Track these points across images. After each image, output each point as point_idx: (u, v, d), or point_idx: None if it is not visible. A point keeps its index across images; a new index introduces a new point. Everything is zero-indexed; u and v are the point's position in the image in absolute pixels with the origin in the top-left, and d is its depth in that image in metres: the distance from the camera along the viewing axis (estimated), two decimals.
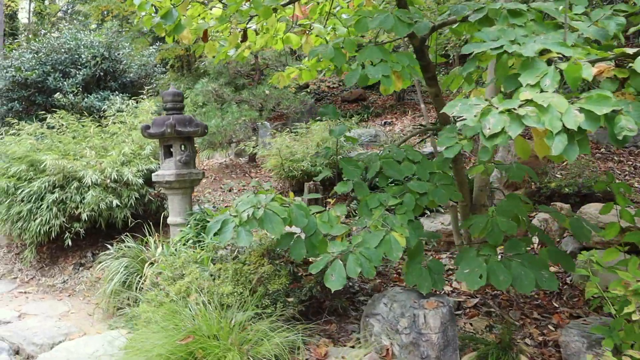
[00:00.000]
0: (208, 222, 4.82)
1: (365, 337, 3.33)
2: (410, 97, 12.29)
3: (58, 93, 8.48)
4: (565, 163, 6.62)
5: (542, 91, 2.24)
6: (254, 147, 8.08)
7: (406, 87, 3.92)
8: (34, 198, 5.79)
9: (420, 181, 3.33)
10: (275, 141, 7.20)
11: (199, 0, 3.88)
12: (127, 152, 6.20)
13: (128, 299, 4.41)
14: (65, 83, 8.66)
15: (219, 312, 3.06)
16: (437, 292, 3.43)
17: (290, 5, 3.82)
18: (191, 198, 5.42)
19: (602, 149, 7.18)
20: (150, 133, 5.16)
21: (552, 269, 4.10)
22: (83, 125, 6.92)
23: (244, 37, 3.85)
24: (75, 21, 11.16)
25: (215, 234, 2.98)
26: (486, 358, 3.20)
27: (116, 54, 9.38)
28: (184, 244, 4.62)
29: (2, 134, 6.95)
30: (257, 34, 4.08)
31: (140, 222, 5.84)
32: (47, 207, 5.69)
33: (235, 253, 3.97)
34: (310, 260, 3.94)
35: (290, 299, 3.49)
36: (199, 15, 4.02)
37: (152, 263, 4.53)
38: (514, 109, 2.13)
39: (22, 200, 5.85)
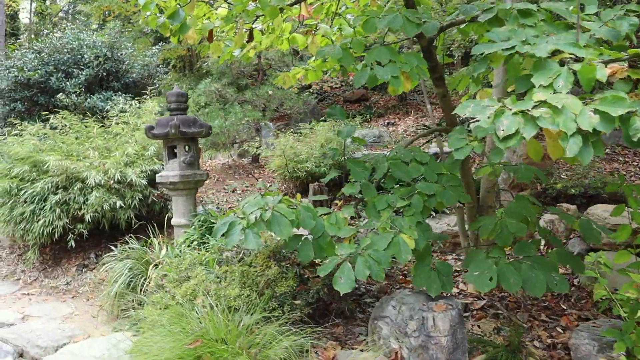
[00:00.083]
0: (212, 223, 4.82)
1: (374, 340, 3.30)
2: (413, 97, 12.27)
3: (61, 93, 8.46)
4: (570, 164, 6.59)
5: (555, 92, 2.21)
6: (257, 148, 8.05)
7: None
8: (37, 199, 5.76)
9: (428, 182, 3.30)
10: (279, 142, 7.16)
11: (204, 0, 3.85)
12: (131, 153, 6.18)
13: (132, 301, 4.38)
14: (67, 83, 8.64)
15: (226, 315, 3.03)
16: (446, 295, 3.39)
17: (297, 5, 3.79)
18: (195, 199, 5.40)
19: (607, 150, 7.15)
20: (154, 134, 5.13)
21: (560, 270, 4.08)
22: (86, 126, 6.89)
23: (250, 37, 3.82)
24: (77, 21, 11.10)
25: (222, 236, 2.94)
26: None
27: (119, 54, 9.36)
28: (189, 246, 4.59)
29: (4, 135, 6.93)
30: (262, 34, 4.05)
31: (143, 224, 5.81)
32: (50, 208, 5.66)
33: (241, 255, 3.94)
34: (316, 262, 3.91)
35: (297, 302, 3.46)
36: (204, 15, 4.00)
37: (156, 265, 4.51)
38: (528, 110, 2.10)
39: (25, 201, 5.82)
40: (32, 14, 20.13)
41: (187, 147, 5.24)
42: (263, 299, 3.27)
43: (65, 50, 9.01)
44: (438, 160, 3.52)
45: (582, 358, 3.09)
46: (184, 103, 5.34)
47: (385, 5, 4.24)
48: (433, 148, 7.01)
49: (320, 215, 3.19)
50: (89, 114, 7.68)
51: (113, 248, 5.22)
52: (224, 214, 5.69)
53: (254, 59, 4.30)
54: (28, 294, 5.68)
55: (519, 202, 3.29)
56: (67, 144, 6.38)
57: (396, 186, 3.43)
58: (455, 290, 4.43)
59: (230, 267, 3.58)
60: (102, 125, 7.02)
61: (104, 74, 9.08)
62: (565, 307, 4.13)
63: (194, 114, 8.62)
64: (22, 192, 5.82)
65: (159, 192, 6.24)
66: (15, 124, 7.04)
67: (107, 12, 15.29)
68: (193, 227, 4.90)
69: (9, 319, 4.72)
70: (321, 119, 8.67)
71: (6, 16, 15.40)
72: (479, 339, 3.54)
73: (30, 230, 5.77)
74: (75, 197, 5.73)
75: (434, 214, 5.66)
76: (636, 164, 6.72)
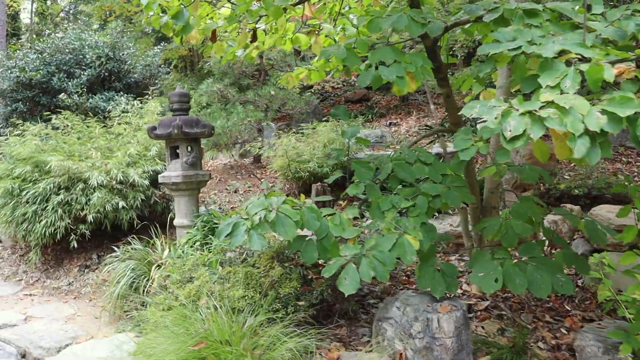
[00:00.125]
0: (215, 223, 4.80)
1: (378, 341, 3.28)
2: (415, 97, 12.25)
3: (62, 93, 8.45)
4: (573, 164, 6.58)
5: (562, 93, 2.20)
6: (259, 148, 8.04)
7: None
8: (39, 199, 5.75)
9: (432, 183, 3.28)
10: (281, 142, 7.15)
11: (207, 0, 3.84)
12: (133, 153, 6.16)
13: (135, 302, 4.36)
14: (69, 83, 8.63)
15: (231, 317, 3.02)
16: (450, 296, 3.38)
17: (300, 5, 3.78)
18: (198, 200, 5.39)
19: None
20: (156, 134, 5.12)
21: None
22: (88, 126, 6.88)
23: (254, 37, 3.81)
24: (79, 21, 11.09)
25: (226, 237, 2.93)
26: None
27: (121, 54, 9.35)
28: (191, 246, 4.58)
29: (6, 135, 6.92)
30: (265, 34, 4.04)
31: (146, 224, 5.80)
32: (52, 208, 5.65)
33: (244, 256, 3.93)
34: (319, 263, 3.90)
35: (301, 303, 3.44)
36: (207, 15, 3.99)
37: (159, 265, 4.49)
38: (535, 110, 2.09)
39: (27, 202, 5.81)
40: (33, 14, 20.13)
41: (189, 148, 5.23)
42: (267, 300, 3.25)
43: (67, 50, 9.00)
44: (441, 161, 3.51)
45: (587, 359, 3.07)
46: (186, 103, 5.33)
47: (387, 6, 4.23)
48: (435, 148, 7.00)
49: (325, 216, 3.18)
50: (91, 114, 7.67)
51: (115, 249, 5.21)
52: (226, 214, 5.68)
53: (255, 59, 4.28)
54: (30, 295, 5.67)
55: (523, 202, 3.27)
56: (69, 144, 6.37)
57: (399, 187, 3.42)
58: (458, 291, 4.41)
59: (233, 268, 3.56)
60: (104, 126, 7.01)
61: (106, 74, 9.07)
62: (569, 308, 4.12)
63: (195, 114, 8.60)
64: (24, 192, 5.80)
65: (160, 193, 6.23)
66: (17, 124, 7.03)
67: (108, 12, 15.30)
68: (195, 227, 4.89)
69: (12, 320, 4.70)
70: (323, 119, 8.66)
71: (7, 16, 15.40)
72: (483, 340, 3.52)
73: (32, 231, 5.75)
74: (77, 198, 5.72)
75: (436, 214, 5.64)
76: (639, 164, 6.70)
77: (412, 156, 3.41)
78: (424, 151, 3.49)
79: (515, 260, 2.92)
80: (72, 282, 5.84)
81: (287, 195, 3.23)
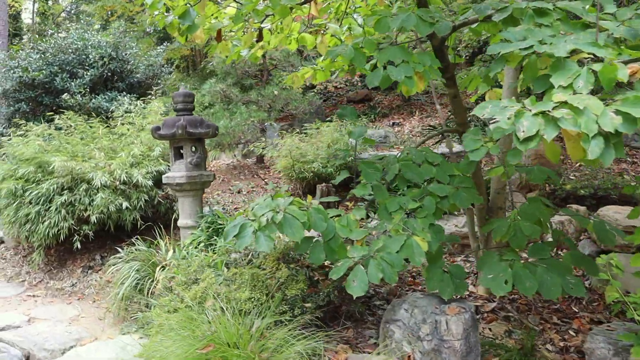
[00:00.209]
0: (219, 224, 4.78)
1: (386, 343, 3.25)
2: (417, 97, 12.20)
3: (65, 94, 8.42)
4: (578, 164, 6.55)
5: (574, 93, 2.17)
6: (263, 149, 8.02)
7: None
8: (42, 200, 5.73)
9: (440, 184, 3.26)
10: (285, 142, 7.12)
11: None
12: (136, 154, 6.14)
13: (139, 304, 4.34)
14: (72, 83, 8.60)
15: (237, 319, 2.99)
16: (458, 297, 3.35)
17: (306, 5, 3.75)
18: (202, 200, 5.36)
19: None
20: (160, 134, 5.10)
21: None
22: (91, 127, 6.86)
23: (260, 37, 3.79)
24: (81, 21, 11.06)
25: (233, 238, 2.91)
26: None
27: (123, 54, 9.32)
28: (196, 247, 4.56)
29: (9, 135, 6.89)
30: (271, 33, 4.02)
31: (149, 225, 5.78)
32: (56, 209, 5.63)
33: (249, 257, 3.90)
34: (326, 264, 3.87)
35: (307, 304, 3.42)
36: (212, 14, 3.96)
37: (163, 267, 4.47)
38: (549, 111, 2.06)
39: (30, 203, 5.79)
40: (35, 14, 20.13)
41: (193, 148, 5.20)
42: (274, 302, 3.23)
43: (70, 50, 8.97)
44: (447, 161, 3.48)
45: None
46: (190, 103, 5.31)
47: (391, 5, 4.21)
48: (441, 148, 6.97)
49: (331, 217, 3.15)
50: (94, 115, 7.64)
51: (119, 249, 5.18)
52: (230, 215, 5.66)
53: (259, 59, 4.25)
54: (33, 296, 5.64)
55: (532, 203, 3.24)
56: (72, 144, 6.35)
57: (406, 188, 3.39)
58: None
59: (239, 270, 3.54)
60: (107, 126, 6.98)
61: (109, 74, 9.04)
62: (576, 310, 4.08)
63: (197, 114, 8.57)
64: (27, 193, 5.78)
65: (164, 193, 6.20)
66: (20, 125, 7.01)
67: (109, 12, 15.29)
68: (200, 228, 4.86)
69: (15, 322, 4.67)
70: (327, 119, 8.62)
71: (9, 16, 15.38)
72: (491, 342, 3.50)
73: (35, 232, 5.73)
74: (80, 198, 5.69)
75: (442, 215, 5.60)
76: None
77: (419, 157, 3.38)
78: (431, 152, 3.46)
79: (524, 262, 2.90)
80: (76, 283, 5.82)
81: (291, 196, 3.20)
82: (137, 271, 4.62)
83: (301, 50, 10.72)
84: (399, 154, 3.55)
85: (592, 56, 2.34)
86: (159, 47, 10.48)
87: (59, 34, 9.56)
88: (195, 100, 7.72)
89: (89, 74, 8.71)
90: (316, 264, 3.17)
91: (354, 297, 2.77)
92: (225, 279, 3.52)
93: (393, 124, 10.49)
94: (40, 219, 5.70)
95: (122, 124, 6.89)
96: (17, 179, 5.96)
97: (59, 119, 6.98)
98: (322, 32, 4.01)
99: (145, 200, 5.89)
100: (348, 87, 13.75)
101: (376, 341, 3.48)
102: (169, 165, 5.73)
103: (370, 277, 2.76)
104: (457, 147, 6.34)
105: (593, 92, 2.25)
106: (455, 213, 5.66)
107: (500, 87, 4.36)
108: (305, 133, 7.53)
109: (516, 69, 3.94)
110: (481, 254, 3.76)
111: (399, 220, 3.06)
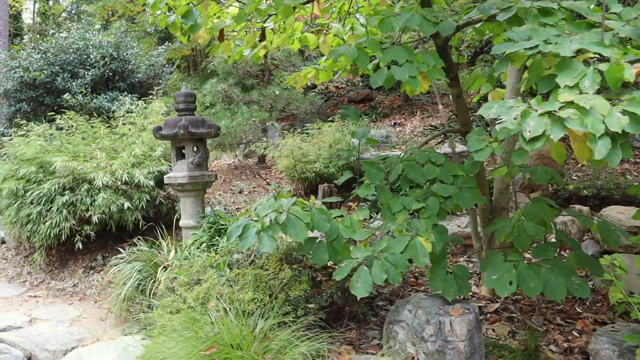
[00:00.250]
0: (221, 224, 4.76)
1: (389, 344, 3.24)
2: (418, 97, 12.18)
3: (67, 94, 8.40)
4: (580, 165, 6.53)
5: (581, 93, 2.16)
6: (264, 149, 8.01)
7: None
8: (43, 200, 5.71)
9: (443, 184, 3.25)
10: (286, 142, 7.10)
11: None
12: (138, 154, 6.12)
13: (141, 304, 4.33)
14: (73, 83, 8.58)
15: (241, 320, 2.98)
16: (461, 298, 3.33)
17: (309, 4, 3.74)
18: (204, 200, 5.35)
19: None
20: (162, 134, 5.08)
21: None
22: (92, 127, 6.85)
23: (262, 37, 3.77)
24: (83, 21, 11.05)
25: (237, 239, 2.89)
26: None
27: (124, 54, 9.31)
28: (198, 248, 4.54)
29: (10, 135, 6.88)
30: (274, 33, 4.00)
31: (151, 225, 5.77)
32: (57, 209, 5.61)
33: (252, 257, 3.89)
34: (329, 265, 3.86)
35: (310, 305, 3.40)
36: (215, 14, 3.95)
37: (165, 267, 4.46)
38: (555, 111, 2.05)
39: (32, 203, 5.77)
40: (35, 14, 20.12)
41: (195, 148, 5.19)
42: (277, 302, 3.21)
43: (71, 50, 8.96)
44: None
45: None
46: (192, 103, 5.29)
47: (393, 5, 4.19)
48: (443, 148, 6.95)
49: (334, 218, 3.14)
50: (95, 115, 7.63)
51: (121, 250, 5.17)
52: (232, 215, 5.65)
53: (261, 58, 4.24)
54: (35, 296, 5.63)
55: (535, 204, 3.23)
56: (73, 144, 6.33)
57: (409, 188, 3.38)
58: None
59: (242, 270, 3.52)
60: (109, 126, 6.97)
61: (110, 74, 9.02)
62: (580, 311, 4.07)
63: (199, 114, 8.56)
64: (29, 193, 5.76)
65: (166, 193, 6.19)
66: (21, 125, 6.99)
67: (110, 12, 15.28)
68: (202, 228, 4.85)
69: (17, 322, 4.66)
70: (328, 119, 8.61)
71: (9, 16, 15.38)
72: (494, 343, 3.48)
73: (36, 232, 5.71)
74: (82, 199, 5.68)
75: None
76: None
77: (422, 157, 3.38)
78: (434, 152, 3.45)
79: (528, 262, 2.88)
80: (77, 283, 5.80)
81: (293, 196, 3.19)
82: (139, 272, 4.61)
83: (303, 50, 10.71)
84: (402, 154, 3.54)
85: (597, 56, 2.32)
86: (160, 47, 10.46)
87: (60, 34, 9.54)
88: (196, 100, 7.71)
89: (90, 73, 8.69)
90: (319, 264, 3.16)
91: (358, 298, 2.76)
92: (228, 280, 3.51)
93: (394, 124, 10.48)
94: (42, 219, 5.68)
95: (124, 124, 6.88)
96: (18, 179, 5.95)
97: (60, 119, 6.97)
98: (324, 31, 4.00)
99: (146, 200, 5.87)
100: (349, 87, 13.73)
101: (380, 342, 3.47)
102: (170, 166, 5.72)
103: (374, 278, 2.75)
104: (459, 147, 6.33)
105: (598, 92, 2.24)
106: (458, 213, 5.64)
107: (503, 87, 4.35)
108: (306, 133, 7.52)
109: (519, 69, 3.93)
110: (484, 254, 3.75)
111: (402, 221, 3.05)
